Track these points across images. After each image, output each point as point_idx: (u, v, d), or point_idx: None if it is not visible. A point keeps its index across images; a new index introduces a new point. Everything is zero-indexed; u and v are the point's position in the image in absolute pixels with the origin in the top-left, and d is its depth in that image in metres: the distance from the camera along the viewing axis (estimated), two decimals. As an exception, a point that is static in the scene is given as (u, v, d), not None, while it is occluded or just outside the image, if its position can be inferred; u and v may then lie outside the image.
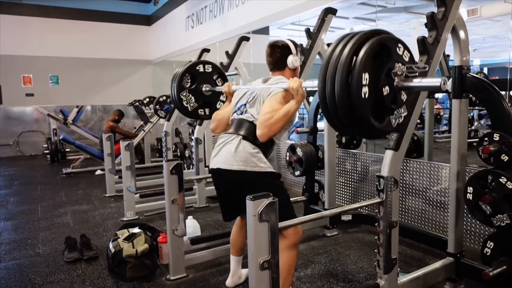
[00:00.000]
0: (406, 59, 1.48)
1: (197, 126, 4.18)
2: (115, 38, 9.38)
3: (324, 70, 1.42)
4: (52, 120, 7.52)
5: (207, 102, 2.73)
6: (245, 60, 4.15)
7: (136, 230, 2.79)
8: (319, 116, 3.51)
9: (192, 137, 4.24)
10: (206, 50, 5.18)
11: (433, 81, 1.40)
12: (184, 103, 2.66)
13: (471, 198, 2.07)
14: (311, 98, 6.77)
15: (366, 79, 1.34)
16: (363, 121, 1.39)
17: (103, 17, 9.26)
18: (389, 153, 1.90)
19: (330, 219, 3.18)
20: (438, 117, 9.12)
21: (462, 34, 2.15)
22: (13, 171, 6.68)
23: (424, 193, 3.12)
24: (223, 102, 2.64)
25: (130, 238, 2.65)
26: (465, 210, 2.28)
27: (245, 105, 2.05)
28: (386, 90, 1.41)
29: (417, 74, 1.47)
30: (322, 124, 3.50)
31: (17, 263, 2.81)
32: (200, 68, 2.70)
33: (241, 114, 2.04)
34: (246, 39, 4.26)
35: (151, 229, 2.98)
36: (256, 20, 5.44)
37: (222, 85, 2.70)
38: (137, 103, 7.01)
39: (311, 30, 3.05)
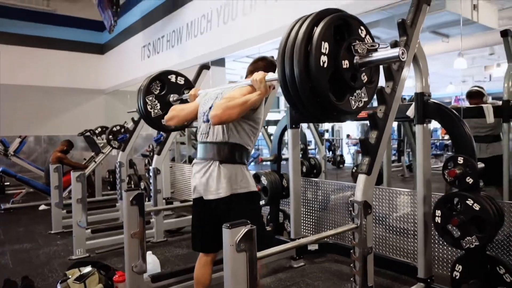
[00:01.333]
0: (368, 42, 1.49)
1: (156, 156, 3.99)
2: (66, 66, 8.98)
3: (283, 45, 1.41)
4: (-11, 151, 6.89)
5: None
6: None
7: (88, 269, 2.53)
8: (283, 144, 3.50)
9: (150, 167, 4.03)
10: None
11: (391, 51, 1.41)
12: (149, 107, 2.54)
13: (439, 221, 2.09)
14: (271, 129, 6.83)
15: (326, 48, 1.35)
16: (321, 94, 1.37)
17: (54, 44, 8.87)
18: (361, 178, 1.88)
19: (297, 250, 3.09)
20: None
21: (422, 62, 2.25)
22: None
23: (385, 220, 3.15)
24: None
25: (82, 278, 2.38)
26: (432, 235, 2.30)
27: (211, 108, 1.94)
28: (345, 63, 1.42)
29: (377, 49, 1.48)
30: (285, 152, 3.49)
31: None
32: (172, 78, 2.61)
33: (208, 134, 1.95)
34: (207, 67, 4.24)
35: (105, 267, 2.72)
36: (214, 51, 5.46)
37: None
38: (88, 133, 6.65)
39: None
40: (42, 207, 5.63)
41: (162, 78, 2.59)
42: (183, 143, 6.91)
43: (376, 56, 1.45)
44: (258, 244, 1.58)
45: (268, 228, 3.36)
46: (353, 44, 1.44)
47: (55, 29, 8.92)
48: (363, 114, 2.54)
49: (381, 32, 7.82)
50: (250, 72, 2.07)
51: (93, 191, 6.32)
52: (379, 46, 1.50)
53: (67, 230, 4.09)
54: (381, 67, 1.67)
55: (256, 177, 3.28)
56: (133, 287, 2.24)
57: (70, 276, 2.44)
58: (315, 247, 3.13)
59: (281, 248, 1.68)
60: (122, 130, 5.81)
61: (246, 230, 1.36)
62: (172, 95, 2.60)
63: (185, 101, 2.56)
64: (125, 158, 4.87)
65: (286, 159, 3.56)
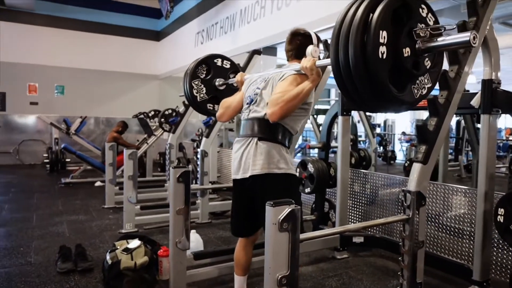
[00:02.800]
0: (431, 22, 1.35)
1: (204, 138, 4.05)
2: (124, 52, 9.40)
3: (337, 31, 1.29)
4: (54, 129, 7.41)
5: (217, 97, 2.58)
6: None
7: (135, 241, 2.61)
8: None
9: (198, 150, 4.10)
10: None
11: (460, 36, 1.25)
12: (195, 91, 2.54)
13: (502, 220, 1.92)
14: (319, 118, 6.69)
15: (384, 37, 1.21)
16: (380, 87, 1.25)
17: (113, 30, 9.32)
18: (416, 166, 1.76)
19: (341, 240, 3.00)
20: (444, 145, 9.01)
21: (492, 46, 2.05)
22: (10, 179, 6.51)
23: (438, 218, 2.95)
24: None
25: (129, 249, 2.47)
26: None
27: (255, 93, 1.91)
28: (407, 51, 1.28)
29: (442, 33, 1.32)
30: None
31: (6, 271, 2.62)
32: (218, 61, 2.60)
33: (249, 107, 1.92)
34: (258, 52, 4.21)
35: (151, 242, 2.81)
36: (266, 37, 5.41)
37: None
38: (141, 116, 6.92)
39: (329, 42, 2.96)
40: (98, 183, 5.96)
41: (208, 62, 2.58)
42: (231, 130, 6.97)
43: (442, 41, 1.30)
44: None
45: (312, 217, 3.29)
46: (415, 29, 1.30)
47: (115, 16, 9.33)
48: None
49: (444, 22, 7.35)
50: (291, 51, 1.97)
51: (144, 171, 6.58)
52: (444, 29, 1.36)
53: (119, 206, 4.28)
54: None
55: (303, 164, 3.22)
56: (176, 262, 2.29)
57: (118, 247, 2.54)
58: (360, 239, 3.02)
59: (325, 233, 1.62)
60: (174, 113, 5.96)
61: (290, 209, 1.31)
62: (218, 79, 2.58)
63: (230, 85, 2.55)
64: (175, 141, 5.01)
65: (335, 151, 3.45)
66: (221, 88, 2.57)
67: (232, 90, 2.54)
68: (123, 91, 9.41)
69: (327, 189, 3.36)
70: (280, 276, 1.31)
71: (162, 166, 7.05)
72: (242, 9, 5.91)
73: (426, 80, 1.41)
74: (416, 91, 1.38)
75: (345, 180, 3.08)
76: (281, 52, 10.51)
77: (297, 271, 1.35)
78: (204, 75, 2.57)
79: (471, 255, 2.49)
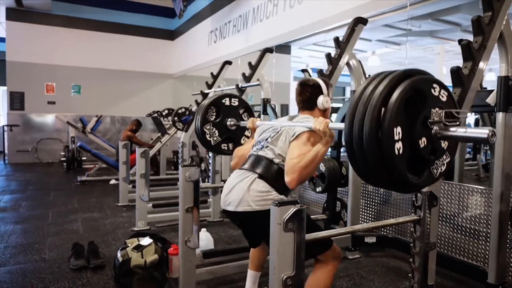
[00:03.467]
0: (444, 99, 1.30)
1: (216, 137, 4.05)
2: (138, 51, 9.50)
3: (351, 118, 1.25)
4: (71, 128, 7.55)
5: (231, 136, 2.63)
6: (267, 79, 4.06)
7: (146, 239, 2.63)
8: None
9: (210, 149, 4.10)
10: (228, 62, 5.13)
11: (479, 131, 1.21)
12: (207, 136, 2.56)
13: (518, 222, 1.85)
14: (332, 117, 6.62)
15: (399, 133, 1.18)
16: (398, 179, 1.23)
17: (128, 30, 9.43)
18: (428, 166, 1.71)
19: (353, 240, 2.96)
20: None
21: (509, 41, 1.98)
22: (28, 177, 6.67)
23: (453, 219, 2.88)
24: (248, 137, 2.56)
25: (140, 247, 2.49)
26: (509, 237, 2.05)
27: (267, 139, 1.89)
28: (423, 142, 1.24)
29: (458, 123, 1.28)
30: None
31: (21, 267, 2.68)
32: (226, 101, 2.61)
33: (261, 149, 1.88)
34: (270, 50, 4.17)
35: (162, 240, 2.82)
36: (279, 35, 5.39)
37: (248, 119, 2.62)
38: (155, 114, 6.98)
39: (340, 39, 2.93)
40: (113, 181, 6.04)
41: (216, 103, 2.58)
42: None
43: (459, 132, 1.24)
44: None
45: (324, 216, 3.25)
46: (428, 117, 1.26)
47: (130, 16, 9.44)
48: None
49: (461, 18, 7.17)
50: (301, 106, 1.98)
51: (158, 169, 6.64)
52: (458, 113, 1.29)
53: (132, 203, 4.32)
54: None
55: (314, 163, 3.18)
56: (185, 260, 2.29)
57: (129, 245, 2.57)
58: (372, 239, 2.97)
59: (333, 233, 1.60)
60: (187, 112, 5.99)
61: (295, 209, 1.29)
62: (229, 119, 2.60)
63: (242, 127, 2.58)
64: (188, 139, 5.03)
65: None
66: (233, 128, 2.60)
67: (244, 128, 2.59)
68: (138, 90, 9.52)
69: (339, 188, 3.32)
70: (285, 277, 1.29)
71: (176, 164, 7.10)
72: (255, 7, 5.90)
73: (444, 157, 1.36)
74: (435, 171, 1.34)
75: (357, 179, 3.04)
76: (295, 51, 10.42)
77: (303, 272, 1.33)
78: (214, 117, 2.59)
79: (487, 257, 2.42)
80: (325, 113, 1.96)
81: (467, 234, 2.72)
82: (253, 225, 1.81)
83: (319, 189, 3.16)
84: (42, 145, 8.68)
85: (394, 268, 2.81)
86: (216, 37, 7.34)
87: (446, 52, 9.96)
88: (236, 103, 2.63)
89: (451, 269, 2.64)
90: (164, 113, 7.08)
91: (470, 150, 8.56)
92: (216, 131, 2.58)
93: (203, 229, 2.98)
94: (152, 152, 6.33)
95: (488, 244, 2.34)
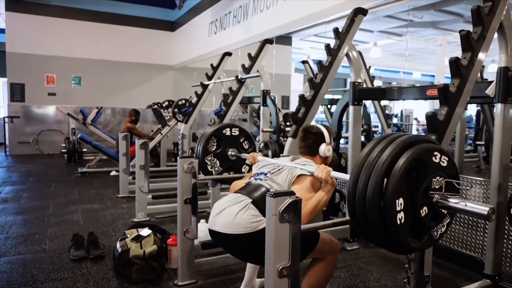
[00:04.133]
0: (444, 164, 1.34)
1: (215, 129, 4.05)
2: (139, 42, 9.46)
3: (354, 181, 1.31)
4: (71, 119, 7.56)
5: (232, 166, 2.70)
6: (267, 70, 4.04)
7: (145, 230, 2.65)
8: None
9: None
10: (228, 54, 5.11)
11: (479, 208, 1.24)
12: (209, 167, 2.63)
13: (515, 213, 1.85)
14: (333, 108, 6.59)
15: (401, 204, 1.23)
16: (400, 244, 1.29)
17: (128, 21, 9.37)
18: (425, 158, 1.71)
19: (351, 231, 2.96)
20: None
21: (509, 32, 1.96)
22: (29, 168, 6.69)
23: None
24: (249, 166, 2.60)
25: (139, 238, 2.51)
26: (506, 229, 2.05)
27: (266, 174, 1.88)
28: (424, 211, 1.29)
29: (458, 195, 1.33)
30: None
31: (22, 258, 2.70)
32: (227, 131, 2.68)
33: (260, 180, 1.86)
34: (270, 42, 4.16)
35: (161, 231, 2.84)
36: (280, 26, 5.35)
37: (248, 147, 2.71)
38: (155, 106, 6.97)
39: (340, 30, 2.90)
40: (113, 173, 6.06)
41: (217, 134, 2.65)
42: (245, 120, 6.96)
43: (459, 205, 1.28)
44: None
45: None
46: (429, 187, 1.30)
47: (130, 7, 9.37)
48: (433, 92, 2.32)
49: (463, 8, 7.09)
50: (303, 151, 2.02)
51: (158, 161, 6.65)
52: (459, 184, 1.33)
53: (132, 195, 4.33)
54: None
55: (313, 155, 3.18)
56: (184, 251, 2.31)
57: (128, 236, 2.58)
58: (371, 231, 2.98)
59: (329, 223, 1.60)
60: (187, 104, 5.98)
61: (290, 200, 1.30)
62: (231, 150, 2.66)
63: (242, 159, 2.65)
64: (188, 131, 5.03)
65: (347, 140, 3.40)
66: (233, 158, 2.67)
67: (244, 159, 2.67)
68: (138, 81, 9.50)
69: (338, 180, 3.32)
70: (280, 267, 1.30)
71: (176, 155, 7.11)
72: (255, -3, 5.84)
73: (445, 218, 1.39)
74: (435, 233, 1.38)
75: (356, 171, 3.04)
76: (296, 42, 10.37)
77: (298, 262, 1.34)
78: (215, 148, 2.65)
79: (484, 248, 2.43)
80: (326, 160, 2.01)
81: (465, 225, 2.73)
82: (239, 249, 1.78)
83: (318, 180, 3.17)
84: (43, 137, 8.69)
85: (392, 259, 2.82)
86: (217, 28, 7.30)
87: (449, 43, 9.89)
88: (237, 133, 2.72)
89: (449, 260, 2.65)
90: (164, 105, 7.07)
91: (471, 142, 8.54)
92: (218, 162, 2.67)
93: (202, 220, 2.98)
94: (152, 143, 6.34)
95: (485, 235, 2.34)
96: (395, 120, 10.94)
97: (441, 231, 1.38)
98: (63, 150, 7.73)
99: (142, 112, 7.26)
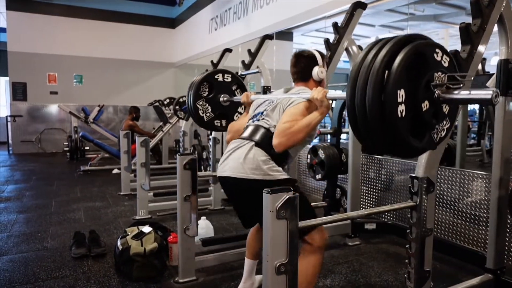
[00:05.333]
0: (446, 64, 1.30)
1: (216, 125, 4.04)
2: (140, 40, 9.45)
3: (352, 85, 1.24)
4: (73, 118, 7.57)
5: (224, 113, 2.60)
6: (268, 66, 4.02)
7: (146, 228, 2.65)
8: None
9: (210, 137, 4.11)
10: (228, 50, 5.07)
11: (482, 93, 1.21)
12: (200, 112, 2.53)
13: (517, 207, 1.84)
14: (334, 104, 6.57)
15: (402, 96, 1.18)
16: (400, 142, 1.23)
17: (129, 18, 9.36)
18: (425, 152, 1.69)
19: (353, 227, 2.96)
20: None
21: (509, 24, 1.94)
22: (32, 167, 6.72)
23: (455, 204, 2.87)
24: (241, 113, 2.53)
25: (139, 235, 2.51)
26: (508, 222, 2.04)
27: (262, 113, 1.87)
28: (425, 105, 1.25)
29: (461, 85, 1.29)
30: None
31: (24, 256, 2.71)
32: (219, 77, 2.56)
33: (257, 121, 1.86)
34: (270, 37, 4.12)
35: (162, 229, 2.84)
36: (280, 21, 5.32)
37: (241, 95, 2.58)
38: (157, 104, 6.97)
39: (339, 24, 2.88)
40: (115, 171, 6.07)
41: (209, 79, 2.55)
42: (246, 117, 6.95)
43: (462, 95, 1.25)
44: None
45: (324, 204, 3.26)
46: (431, 80, 1.26)
47: (131, 4, 9.36)
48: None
49: (465, 1, 7.03)
50: (296, 77, 1.96)
51: (160, 159, 6.66)
52: (462, 78, 1.30)
53: (134, 192, 4.33)
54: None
55: (314, 150, 3.17)
56: (184, 248, 2.31)
57: (129, 233, 2.58)
58: (372, 226, 2.97)
59: (327, 220, 1.59)
60: (188, 101, 5.97)
61: (287, 196, 1.29)
62: (222, 95, 2.56)
63: (236, 102, 2.55)
64: (189, 128, 5.02)
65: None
66: (226, 104, 2.57)
67: (237, 104, 2.57)
68: (140, 79, 9.50)
69: (340, 176, 3.31)
70: (278, 264, 1.29)
71: (178, 153, 7.11)
72: (255, -7, 5.81)
73: (444, 122, 1.36)
74: (435, 135, 1.34)
75: (357, 166, 3.03)
76: (297, 37, 10.31)
77: (296, 259, 1.34)
78: (207, 93, 2.55)
79: (486, 242, 2.42)
80: (320, 84, 1.94)
81: (467, 219, 2.72)
82: (245, 196, 1.77)
83: (318, 176, 3.16)
84: (45, 135, 8.73)
85: (394, 254, 2.81)
86: (217, 25, 7.27)
87: (451, 37, 9.80)
88: (229, 79, 2.60)
89: (451, 255, 2.64)
90: (165, 102, 7.06)
91: (474, 135, 8.49)
92: (209, 107, 2.55)
93: (203, 217, 2.99)
94: (153, 141, 6.34)
95: (487, 229, 2.33)
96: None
97: (441, 135, 1.34)
98: (65, 149, 7.77)
99: (143, 109, 7.27)
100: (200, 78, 2.52)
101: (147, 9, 9.55)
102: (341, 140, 3.27)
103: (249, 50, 4.09)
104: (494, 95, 1.17)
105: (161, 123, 6.93)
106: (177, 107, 6.04)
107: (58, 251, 2.81)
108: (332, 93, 1.68)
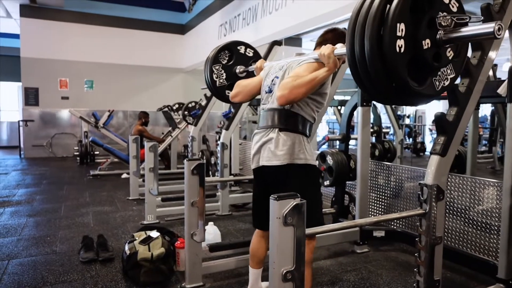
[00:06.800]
0: (454, 9, 1.26)
1: (224, 131, 4.06)
2: (150, 46, 9.55)
3: (353, 22, 1.22)
4: (84, 123, 7.66)
5: None
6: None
7: (154, 233, 2.66)
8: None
9: (219, 143, 4.12)
10: (277, 43, 5.06)
11: (483, 27, 1.17)
12: (214, 76, 2.51)
13: (529, 216, 1.80)
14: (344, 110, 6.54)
15: (402, 30, 1.14)
16: (399, 82, 1.18)
17: (139, 25, 9.47)
18: (434, 159, 1.68)
19: (361, 234, 2.93)
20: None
21: (521, 30, 1.91)
22: (43, 171, 6.80)
23: (466, 212, 2.82)
24: None
25: (147, 240, 2.51)
26: (520, 231, 2.00)
27: (274, 82, 1.89)
28: (426, 43, 1.20)
29: (467, 22, 1.23)
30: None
31: (33, 259, 2.74)
32: (241, 49, 2.55)
33: (269, 102, 1.88)
34: (278, 43, 4.15)
35: (170, 234, 2.85)
36: (289, 27, 5.33)
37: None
38: (166, 109, 7.02)
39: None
40: (124, 175, 6.11)
41: (231, 48, 2.54)
42: (255, 122, 6.96)
43: (464, 31, 1.21)
44: (313, 222, 1.49)
45: (332, 210, 3.23)
46: (436, 17, 1.22)
47: (141, 11, 9.48)
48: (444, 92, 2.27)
49: (475, 6, 6.96)
50: (319, 44, 1.93)
51: (169, 164, 6.70)
52: (469, 19, 1.26)
53: (143, 197, 4.36)
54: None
55: (322, 157, 3.16)
56: (191, 253, 2.31)
57: (137, 238, 2.59)
58: (381, 233, 2.94)
59: (335, 227, 1.58)
60: (197, 106, 6.01)
61: (295, 203, 1.28)
62: (238, 67, 2.55)
63: (251, 73, 2.51)
64: (197, 133, 5.04)
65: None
66: (241, 75, 2.54)
67: (252, 76, 2.50)
68: (149, 84, 9.59)
69: (348, 182, 3.29)
70: (285, 271, 1.28)
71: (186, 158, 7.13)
72: (264, -1, 5.85)
73: (448, 71, 1.33)
74: (437, 83, 1.30)
75: (365, 172, 3.00)
76: (306, 43, 10.32)
77: (303, 266, 1.32)
78: (226, 61, 2.54)
79: (498, 251, 2.37)
80: (338, 60, 1.86)
81: (479, 228, 2.67)
82: (275, 181, 1.82)
83: (327, 182, 3.14)
84: (56, 140, 8.84)
85: (403, 262, 2.77)
86: (226, 31, 7.32)
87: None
88: (251, 54, 2.59)
89: (461, 264, 2.59)
90: (174, 108, 7.11)
91: (486, 142, 8.38)
92: (224, 74, 2.54)
93: (211, 223, 2.99)
94: (162, 146, 6.38)
95: (499, 238, 2.28)
96: (407, 121, 10.81)
97: (444, 83, 1.31)
98: (75, 153, 7.84)
99: (153, 115, 7.32)
100: (223, 45, 2.53)
101: (157, 15, 9.66)
102: (349, 147, 3.25)
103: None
104: (497, 27, 1.13)
105: (170, 128, 6.98)
106: (186, 112, 6.08)
107: (67, 255, 2.83)
108: (339, 50, 1.65)
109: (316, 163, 1.87)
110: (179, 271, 2.53)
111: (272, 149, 1.79)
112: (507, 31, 1.90)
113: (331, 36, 1.90)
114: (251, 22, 6.31)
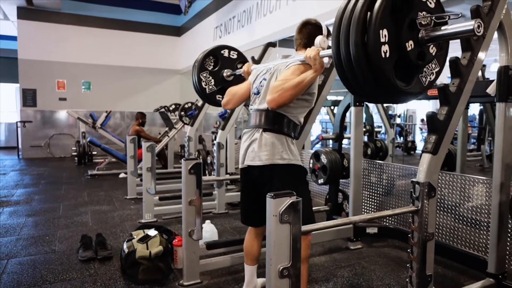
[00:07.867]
0: (432, 5, 1.30)
1: (220, 131, 4.10)
2: (146, 48, 9.58)
3: (337, 26, 1.26)
4: (81, 123, 7.68)
5: (226, 88, 2.53)
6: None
7: (152, 231, 2.70)
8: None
9: (215, 142, 4.16)
10: (271, 45, 5.10)
11: (463, 25, 1.21)
12: (203, 83, 2.56)
13: (517, 212, 1.86)
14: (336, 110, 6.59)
15: (385, 35, 1.17)
16: (386, 84, 1.22)
17: (136, 27, 9.50)
18: (426, 157, 1.72)
19: (355, 231, 2.98)
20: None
21: (509, 31, 1.97)
22: (41, 171, 6.82)
23: (456, 209, 2.88)
24: None
25: (145, 239, 2.55)
26: (509, 227, 2.06)
27: (262, 84, 1.94)
28: (410, 45, 1.24)
29: (447, 21, 1.29)
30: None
31: (32, 259, 2.77)
32: (225, 52, 2.60)
33: (256, 103, 1.93)
34: (273, 45, 4.18)
35: (168, 232, 2.89)
36: (283, 29, 5.37)
37: None
38: (162, 109, 7.05)
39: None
40: (122, 175, 6.14)
41: (215, 53, 2.59)
42: (251, 122, 6.99)
43: (445, 30, 1.26)
44: (304, 220, 1.53)
45: (326, 208, 3.28)
46: (416, 18, 1.26)
47: (137, 13, 9.51)
48: (434, 92, 2.33)
49: (465, 9, 7.00)
50: (299, 43, 1.97)
51: (165, 163, 6.73)
52: (449, 17, 1.32)
53: (140, 196, 4.39)
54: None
55: (316, 156, 3.21)
56: (189, 251, 2.35)
57: (135, 237, 2.63)
58: (374, 230, 3.00)
59: (329, 224, 1.62)
60: (193, 107, 6.05)
61: (291, 201, 1.32)
62: (225, 70, 2.60)
63: (238, 76, 2.56)
64: (194, 133, 5.08)
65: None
66: (229, 79, 2.59)
67: (240, 80, 2.55)
68: (146, 85, 9.61)
69: (342, 180, 3.34)
70: (281, 268, 1.32)
71: (183, 158, 7.17)
72: (258, 1, 5.90)
73: (433, 66, 1.38)
74: (424, 79, 1.35)
75: (358, 171, 3.05)
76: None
77: (299, 263, 1.36)
78: (212, 67, 2.59)
79: (487, 246, 2.43)
80: None
81: (469, 224, 2.73)
82: (260, 181, 1.87)
83: (321, 181, 3.20)
84: (54, 140, 8.85)
85: (395, 258, 2.83)
86: (221, 33, 7.36)
87: (451, 43, 9.80)
88: (235, 56, 2.63)
89: (452, 259, 2.65)
90: (171, 108, 7.14)
91: (474, 141, 8.44)
92: (212, 80, 2.58)
93: (207, 221, 3.04)
94: (159, 146, 6.41)
95: (488, 234, 2.34)
96: (398, 121, 10.88)
97: (430, 78, 1.34)
98: (73, 153, 7.86)
99: (150, 115, 7.35)
100: (207, 51, 2.57)
101: (154, 17, 9.69)
102: (343, 145, 3.31)
103: (252, 57, 4.13)
104: (476, 25, 1.17)
105: (166, 129, 7.02)
106: (182, 113, 6.12)
107: (66, 254, 2.86)
108: (325, 52, 1.69)
109: (301, 163, 1.90)
110: (177, 268, 2.57)
111: (255, 149, 1.84)
112: (495, 32, 1.96)
113: (308, 31, 1.93)
114: (246, 24, 6.35)
